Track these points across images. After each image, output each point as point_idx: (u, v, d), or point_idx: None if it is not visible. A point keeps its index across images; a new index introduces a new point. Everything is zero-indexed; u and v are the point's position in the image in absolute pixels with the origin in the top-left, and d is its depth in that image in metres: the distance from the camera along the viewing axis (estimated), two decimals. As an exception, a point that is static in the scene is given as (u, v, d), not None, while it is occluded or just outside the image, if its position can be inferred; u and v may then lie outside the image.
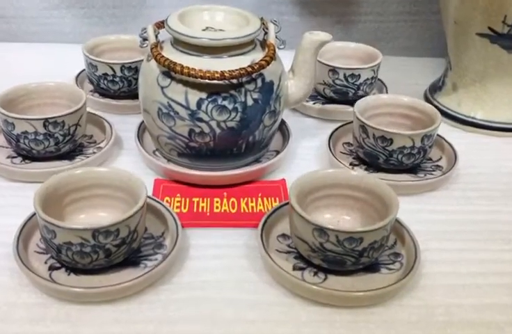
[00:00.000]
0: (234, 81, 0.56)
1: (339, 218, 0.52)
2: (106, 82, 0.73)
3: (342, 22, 0.90)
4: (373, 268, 0.49)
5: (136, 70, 0.72)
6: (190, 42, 0.55)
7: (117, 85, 0.73)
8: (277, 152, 0.64)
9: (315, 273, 0.48)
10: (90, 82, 0.76)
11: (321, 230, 0.45)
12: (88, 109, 0.65)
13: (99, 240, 0.44)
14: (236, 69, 0.54)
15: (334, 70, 0.72)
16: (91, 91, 0.76)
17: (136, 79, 0.72)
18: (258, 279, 0.49)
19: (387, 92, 0.77)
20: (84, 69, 0.78)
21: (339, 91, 0.73)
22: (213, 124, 0.56)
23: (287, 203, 0.54)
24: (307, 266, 0.49)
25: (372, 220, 0.50)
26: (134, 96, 0.73)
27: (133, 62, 0.72)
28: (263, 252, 0.49)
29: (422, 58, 0.91)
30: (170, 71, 0.55)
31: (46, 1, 0.87)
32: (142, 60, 0.70)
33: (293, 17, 0.88)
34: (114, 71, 0.71)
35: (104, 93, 0.75)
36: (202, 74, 0.54)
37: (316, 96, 0.76)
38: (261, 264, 0.50)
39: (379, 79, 0.77)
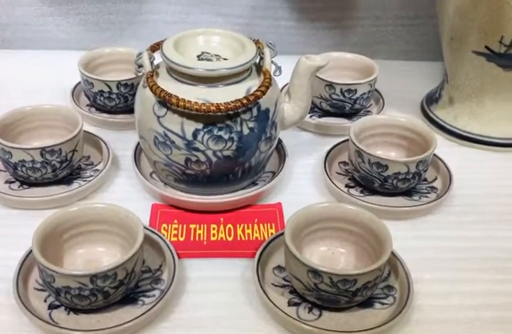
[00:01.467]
0: (230, 112, 0.56)
1: (333, 250, 0.53)
2: (102, 99, 0.72)
3: (340, 27, 0.89)
4: (366, 303, 0.50)
5: (133, 86, 0.72)
6: (185, 72, 0.55)
7: (114, 101, 0.73)
8: (274, 173, 0.64)
9: (310, 310, 0.49)
10: (86, 97, 0.76)
11: (315, 272, 0.46)
12: (85, 126, 0.64)
13: (97, 284, 0.45)
14: (232, 102, 0.54)
15: (330, 85, 0.71)
16: (87, 105, 0.76)
17: (133, 95, 0.72)
18: (255, 315, 0.50)
19: (383, 104, 0.76)
20: (80, 82, 0.78)
21: (335, 105, 0.73)
22: (210, 153, 0.57)
23: (283, 233, 0.55)
24: (301, 302, 0.50)
25: (367, 254, 0.51)
26: (131, 111, 0.73)
27: (129, 80, 0.71)
28: (258, 288, 0.50)
29: (420, 62, 0.90)
30: (165, 102, 0.55)
31: (41, 9, 0.86)
32: (139, 77, 0.70)
33: (290, 22, 0.87)
34: (110, 88, 0.71)
35: (101, 108, 0.75)
36: (197, 106, 0.54)
37: (313, 108, 0.75)
38: (257, 298, 0.51)
39: (376, 90, 0.77)
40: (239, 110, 0.56)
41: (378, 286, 0.49)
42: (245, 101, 0.55)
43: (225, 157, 0.57)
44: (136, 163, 0.64)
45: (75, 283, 0.45)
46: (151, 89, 0.56)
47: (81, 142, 0.62)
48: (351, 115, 0.75)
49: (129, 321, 0.46)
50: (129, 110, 0.74)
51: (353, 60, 0.77)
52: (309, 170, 0.67)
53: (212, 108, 0.54)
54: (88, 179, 0.63)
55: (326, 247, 0.53)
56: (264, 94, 0.56)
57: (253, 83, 0.57)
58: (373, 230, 0.50)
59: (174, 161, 0.58)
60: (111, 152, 0.66)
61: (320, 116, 0.75)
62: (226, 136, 0.56)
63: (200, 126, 0.55)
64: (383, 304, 0.50)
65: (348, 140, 0.66)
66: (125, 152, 0.68)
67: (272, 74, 0.59)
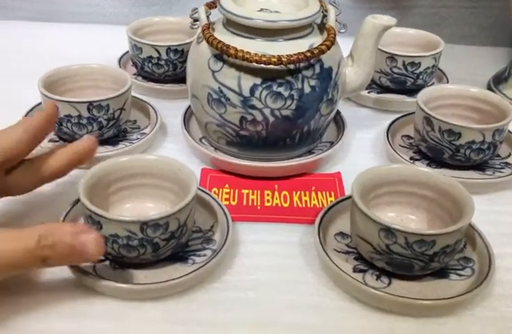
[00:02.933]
0: (291, 66, 0.52)
1: (402, 217, 0.48)
2: (150, 65, 0.69)
3: (397, 7, 0.84)
4: (441, 273, 0.45)
5: (183, 53, 0.68)
6: (244, 24, 0.51)
7: (162, 68, 0.69)
8: (331, 143, 0.60)
9: (378, 277, 0.44)
10: (133, 65, 0.73)
11: (388, 231, 0.41)
12: (131, 93, 0.61)
13: (147, 233, 0.41)
14: (295, 54, 0.50)
15: (392, 57, 0.67)
16: (134, 74, 0.73)
17: (182, 63, 0.69)
18: (315, 280, 0.45)
19: (447, 82, 0.72)
20: (127, 52, 0.75)
21: (396, 80, 0.69)
22: (267, 112, 0.52)
23: (345, 199, 0.51)
24: (368, 269, 0.45)
25: (441, 221, 0.46)
26: (179, 80, 0.71)
27: (179, 45, 0.68)
28: (321, 251, 0.45)
29: (482, 47, 0.86)
30: (222, 54, 0.52)
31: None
32: (189, 43, 0.67)
33: (346, 1, 0.83)
34: (159, 53, 0.68)
35: (148, 77, 0.71)
36: (257, 58, 0.50)
37: (371, 85, 0.71)
38: (317, 264, 0.46)
39: (439, 68, 0.72)
40: (301, 66, 0.52)
41: (456, 253, 0.44)
42: (309, 54, 0.51)
43: (283, 117, 0.53)
44: (185, 128, 0.60)
45: (124, 231, 0.41)
46: (207, 41, 0.52)
47: (129, 102, 0.59)
48: (412, 91, 0.70)
49: (178, 277, 0.42)
50: (178, 79, 0.71)
51: (415, 35, 0.72)
52: (368, 143, 0.63)
53: (273, 59, 0.50)
54: (135, 141, 0.59)
55: (394, 213, 0.48)
56: (328, 49, 0.52)
57: (316, 40, 0.53)
58: (450, 194, 0.45)
59: (228, 120, 0.54)
60: (159, 117, 0.63)
61: (378, 93, 0.71)
62: (286, 93, 0.52)
63: (258, 81, 0.51)
64: (460, 275, 0.45)
65: (411, 113, 0.62)
66: (172, 119, 0.64)
67: (337, 31, 0.55)
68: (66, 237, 0.37)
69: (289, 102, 0.52)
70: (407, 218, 0.48)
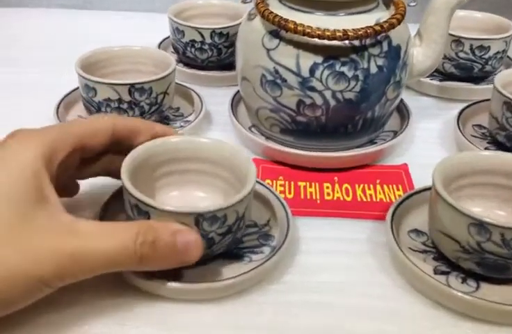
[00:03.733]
0: (357, 43, 0.46)
1: (488, 212, 0.42)
2: (193, 50, 0.64)
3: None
4: (537, 276, 0.38)
5: (228, 37, 0.63)
6: (301, -4, 0.46)
7: (206, 53, 0.64)
8: (394, 133, 0.54)
9: (463, 280, 0.38)
10: (174, 51, 0.68)
11: (481, 226, 0.35)
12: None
13: (203, 227, 0.35)
14: (362, 28, 0.45)
15: (458, 41, 0.61)
16: (175, 60, 0.68)
17: (227, 47, 0.64)
18: (389, 282, 0.39)
19: (517, 70, 0.65)
20: (167, 37, 0.70)
21: (462, 66, 0.62)
22: (328, 94, 0.47)
23: (417, 192, 0.45)
24: (451, 270, 0.39)
25: (535, 216, 0.40)
26: (223, 67, 0.66)
27: (225, 28, 0.63)
28: (396, 250, 0.39)
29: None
30: (279, 30, 0.47)
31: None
32: (235, 26, 0.62)
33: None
34: (203, 37, 0.63)
35: (190, 63, 0.66)
36: (320, 32, 0.44)
37: (433, 72, 0.65)
38: (390, 264, 0.40)
39: (507, 56, 0.66)
40: (367, 43, 0.46)
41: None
42: (378, 28, 0.45)
43: (345, 101, 0.47)
44: (233, 115, 0.55)
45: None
46: (262, 15, 0.47)
47: (172, 86, 0.54)
48: (478, 79, 0.64)
49: (235, 276, 0.36)
50: (222, 66, 0.66)
51: (482, 19, 0.66)
52: (434, 134, 0.57)
53: (338, 34, 0.44)
54: (178, 129, 0.54)
55: (479, 208, 0.42)
56: (399, 23, 0.47)
57: (383, 15, 0.48)
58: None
59: (284, 104, 0.49)
60: (204, 103, 0.58)
61: (441, 80, 0.65)
62: (350, 74, 0.46)
63: (319, 59, 0.46)
64: (560, 279, 0.38)
65: (481, 101, 0.56)
66: (217, 107, 0.59)
67: (406, 4, 0.49)
68: (168, 235, 0.33)
69: (352, 84, 0.47)
70: (495, 214, 0.42)
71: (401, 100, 0.57)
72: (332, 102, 0.47)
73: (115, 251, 0.32)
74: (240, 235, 0.39)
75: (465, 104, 0.58)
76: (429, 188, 0.44)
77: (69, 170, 0.38)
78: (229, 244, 0.38)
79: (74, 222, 0.33)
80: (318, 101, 0.47)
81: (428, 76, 0.64)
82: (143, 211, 0.36)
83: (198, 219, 0.35)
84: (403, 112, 0.57)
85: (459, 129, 0.53)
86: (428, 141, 0.56)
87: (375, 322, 0.36)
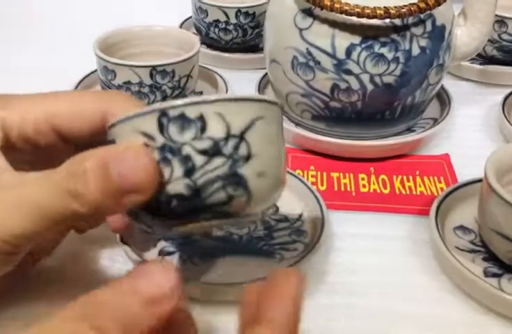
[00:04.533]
0: (398, 22, 0.42)
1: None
2: (217, 31, 0.61)
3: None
4: None
5: (254, 17, 0.60)
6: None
7: (231, 34, 0.61)
8: (434, 120, 0.50)
9: (517, 283, 0.35)
10: (196, 31, 0.64)
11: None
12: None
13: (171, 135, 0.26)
14: (405, 5, 0.41)
15: (502, 21, 0.57)
16: (198, 42, 0.65)
17: (253, 28, 0.60)
18: (435, 285, 0.36)
19: None
20: (189, 17, 0.67)
21: (505, 48, 0.58)
22: (365, 78, 0.43)
23: (463, 185, 0.41)
24: (503, 273, 0.36)
25: None
26: (248, 49, 0.62)
27: (251, 7, 0.59)
28: (443, 249, 0.36)
29: None
30: (313, 7, 0.43)
31: None
32: (262, 5, 0.59)
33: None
34: (228, 17, 0.59)
35: (213, 45, 0.63)
36: (359, 10, 0.41)
37: (472, 55, 0.61)
38: (436, 265, 0.37)
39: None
40: (409, 22, 0.43)
41: None
42: (423, 5, 0.41)
43: (384, 85, 0.44)
44: (260, 100, 0.52)
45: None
46: (296, -9, 0.43)
47: (196, 69, 0.51)
48: (522, 63, 0.60)
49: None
50: (247, 47, 0.62)
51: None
52: (477, 121, 0.53)
53: (379, 12, 0.41)
54: (202, 114, 0.51)
55: (532, 204, 0.38)
56: (445, 0, 0.42)
57: (425, -7, 0.44)
58: None
59: (317, 88, 0.45)
60: (229, 88, 0.54)
61: (481, 64, 0.60)
62: (390, 55, 0.43)
63: (356, 40, 0.42)
64: None
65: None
66: (242, 91, 0.56)
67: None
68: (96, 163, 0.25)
69: (392, 66, 0.43)
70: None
71: (442, 85, 0.53)
72: (370, 87, 0.44)
73: (43, 191, 0.26)
74: (250, 176, 0.26)
75: (509, 90, 0.54)
76: (476, 181, 0.40)
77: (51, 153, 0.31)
78: (227, 184, 0.26)
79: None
80: (355, 85, 0.44)
81: (468, 60, 0.60)
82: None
83: (162, 122, 0.25)
84: (442, 98, 0.53)
85: (505, 116, 0.49)
86: (469, 129, 0.52)
87: (420, 330, 0.33)
